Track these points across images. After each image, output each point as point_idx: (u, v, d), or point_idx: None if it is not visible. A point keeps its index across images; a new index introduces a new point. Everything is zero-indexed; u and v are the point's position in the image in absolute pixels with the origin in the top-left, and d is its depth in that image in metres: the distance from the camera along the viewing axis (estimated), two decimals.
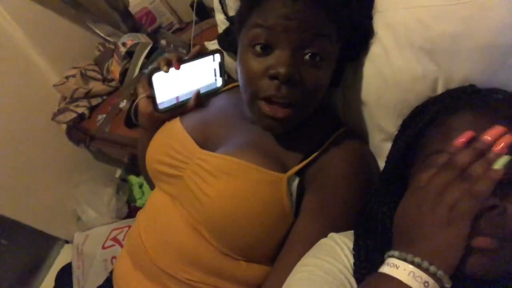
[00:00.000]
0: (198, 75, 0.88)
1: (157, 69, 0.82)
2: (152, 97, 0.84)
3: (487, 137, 0.46)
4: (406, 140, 0.62)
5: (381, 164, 0.72)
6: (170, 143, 0.81)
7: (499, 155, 0.45)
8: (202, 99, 0.90)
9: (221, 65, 0.90)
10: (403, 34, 0.69)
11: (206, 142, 0.80)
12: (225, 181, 0.70)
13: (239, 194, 0.68)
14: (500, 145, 0.45)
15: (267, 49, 0.66)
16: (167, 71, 0.81)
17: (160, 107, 0.86)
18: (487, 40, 0.62)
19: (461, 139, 0.49)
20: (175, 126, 0.84)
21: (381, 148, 0.78)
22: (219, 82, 0.93)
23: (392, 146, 0.68)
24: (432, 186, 0.46)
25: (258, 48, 0.66)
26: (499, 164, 0.44)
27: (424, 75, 0.68)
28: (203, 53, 0.87)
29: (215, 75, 0.91)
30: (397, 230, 0.50)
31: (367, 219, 0.65)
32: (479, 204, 0.44)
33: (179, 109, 0.87)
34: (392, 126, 0.74)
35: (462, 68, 0.64)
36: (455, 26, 0.63)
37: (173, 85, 0.85)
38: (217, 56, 0.89)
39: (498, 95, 0.59)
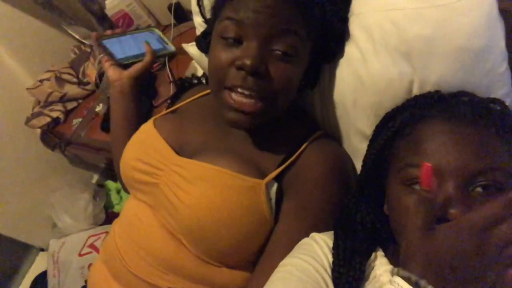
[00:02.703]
0: (145, 42, 1.02)
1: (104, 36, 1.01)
2: (109, 55, 0.97)
3: None
4: (376, 148, 0.63)
5: (359, 165, 0.72)
6: (145, 150, 0.79)
7: None
8: (158, 58, 1.05)
9: (162, 36, 1.11)
10: (379, 36, 0.69)
11: (182, 148, 0.79)
12: (202, 188, 0.69)
13: (216, 201, 0.67)
14: None
15: (236, 41, 0.66)
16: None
17: (119, 60, 0.97)
18: (459, 43, 0.63)
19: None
20: (150, 132, 0.83)
21: (359, 149, 0.79)
22: (171, 47, 1.08)
23: (366, 151, 0.69)
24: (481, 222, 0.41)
25: (227, 40, 0.67)
26: None
27: (400, 77, 0.69)
28: (137, 29, 1.12)
29: (162, 43, 1.08)
30: (428, 260, 0.44)
31: (346, 220, 0.65)
32: None
33: (139, 63, 0.97)
34: (369, 127, 0.75)
35: (436, 70, 0.66)
36: (429, 29, 0.64)
37: (125, 48, 1.01)
38: (155, 30, 1.13)
39: (463, 97, 0.61)
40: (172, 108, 0.94)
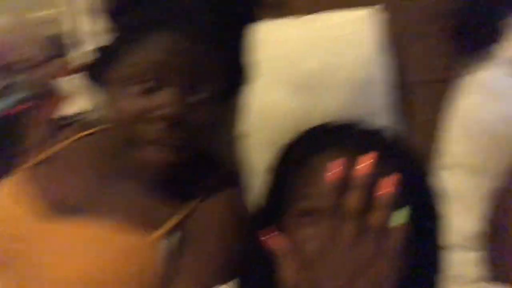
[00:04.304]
0: None
1: None
2: None
3: (359, 173, 0.45)
4: (271, 185, 0.63)
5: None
6: None
7: (384, 200, 0.44)
8: None
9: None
10: (273, 69, 0.70)
11: (57, 205, 0.66)
12: (81, 256, 0.59)
13: (100, 270, 0.58)
14: (384, 190, 0.44)
15: (152, 87, 0.60)
16: None
17: None
18: (348, 75, 0.66)
19: (332, 173, 0.46)
20: (7, 193, 0.68)
21: (256, 185, 0.77)
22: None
23: (262, 186, 0.67)
24: (341, 249, 0.43)
25: (138, 86, 0.59)
26: (394, 221, 0.43)
27: (294, 110, 0.69)
28: None
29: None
30: None
31: (247, 263, 0.62)
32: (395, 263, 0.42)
33: None
34: (267, 162, 0.73)
35: (329, 102, 0.69)
36: (318, 61, 0.66)
37: None
38: None
39: (353, 128, 0.63)
40: (43, 156, 0.77)
